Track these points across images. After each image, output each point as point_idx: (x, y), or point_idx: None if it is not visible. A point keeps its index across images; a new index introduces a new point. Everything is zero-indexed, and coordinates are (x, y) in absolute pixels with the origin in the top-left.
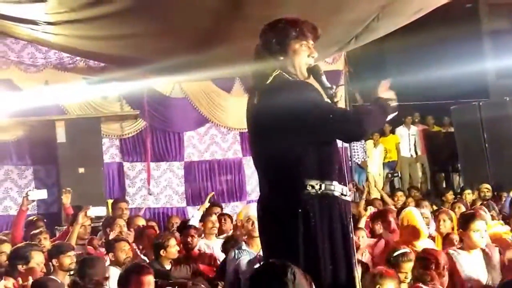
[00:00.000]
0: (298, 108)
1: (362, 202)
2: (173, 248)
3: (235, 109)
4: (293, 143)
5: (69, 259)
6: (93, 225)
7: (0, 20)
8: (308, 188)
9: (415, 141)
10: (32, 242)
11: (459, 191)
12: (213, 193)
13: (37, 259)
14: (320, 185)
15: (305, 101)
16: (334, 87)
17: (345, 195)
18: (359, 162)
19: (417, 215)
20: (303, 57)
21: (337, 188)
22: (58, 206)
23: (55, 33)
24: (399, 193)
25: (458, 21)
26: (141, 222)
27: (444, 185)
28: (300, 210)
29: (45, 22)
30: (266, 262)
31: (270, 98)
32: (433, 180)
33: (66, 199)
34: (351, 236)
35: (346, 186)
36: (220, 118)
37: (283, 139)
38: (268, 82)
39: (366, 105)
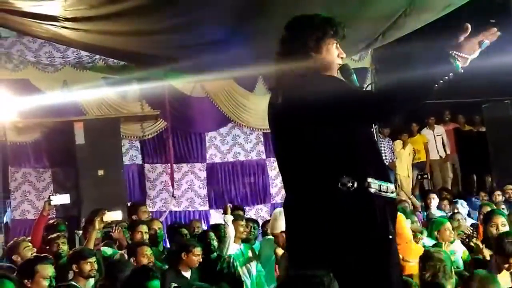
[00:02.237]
0: (331, 96)
1: None
2: (196, 257)
3: (258, 109)
4: (328, 136)
5: (89, 265)
6: (109, 229)
7: (18, 17)
8: (342, 185)
9: (443, 141)
10: (42, 255)
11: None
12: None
13: (44, 273)
14: (353, 182)
15: (338, 87)
16: (364, 86)
17: (385, 192)
18: (387, 164)
19: (404, 220)
20: (335, 57)
21: (373, 185)
22: (78, 210)
23: (74, 29)
24: (432, 195)
25: (490, 15)
26: (157, 225)
27: (475, 186)
28: (335, 210)
29: (64, 18)
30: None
31: (300, 93)
32: (465, 181)
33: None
34: (390, 237)
35: (388, 182)
36: (243, 118)
37: (317, 134)
38: (299, 78)
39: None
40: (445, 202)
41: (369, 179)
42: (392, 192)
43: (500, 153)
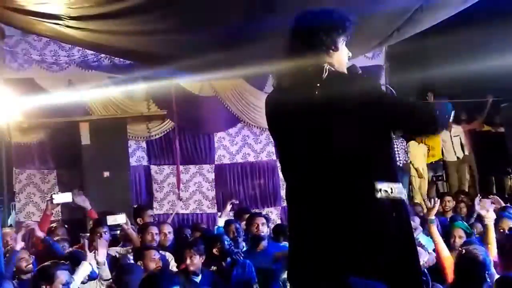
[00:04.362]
0: (373, 97)
1: None
2: (191, 260)
3: None
4: (367, 138)
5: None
6: (112, 233)
7: (22, 16)
8: (380, 192)
9: (460, 141)
10: (60, 261)
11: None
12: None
13: (62, 279)
14: (392, 189)
15: (378, 89)
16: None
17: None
18: (401, 165)
19: None
20: (346, 54)
21: (403, 191)
22: (83, 212)
23: (79, 28)
24: (447, 198)
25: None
26: (167, 229)
27: (494, 189)
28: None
29: (68, 16)
30: None
31: (335, 91)
32: (482, 183)
33: (83, 202)
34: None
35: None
36: (253, 117)
37: (353, 134)
38: (324, 75)
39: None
40: (462, 205)
41: (397, 185)
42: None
43: None
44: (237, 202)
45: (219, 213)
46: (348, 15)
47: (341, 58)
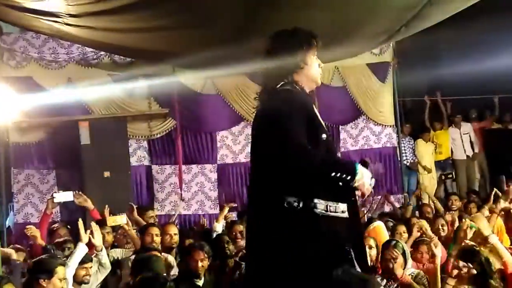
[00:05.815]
0: (278, 131)
1: (410, 208)
2: (196, 262)
3: None
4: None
5: (84, 271)
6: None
7: (19, 12)
8: (288, 204)
9: (470, 139)
10: (57, 255)
11: None
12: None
13: (61, 274)
14: (299, 202)
15: (285, 128)
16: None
17: (334, 212)
18: (408, 164)
19: (385, 229)
20: (316, 66)
21: (319, 206)
22: (82, 212)
23: (78, 25)
24: (454, 197)
25: None
26: (173, 230)
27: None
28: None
29: (67, 14)
30: None
31: (269, 108)
32: (493, 183)
33: (85, 202)
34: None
35: (339, 202)
36: None
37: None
38: (277, 87)
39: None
40: (472, 205)
41: (316, 200)
42: (342, 212)
43: None
44: (236, 205)
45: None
46: (312, 32)
47: (312, 71)
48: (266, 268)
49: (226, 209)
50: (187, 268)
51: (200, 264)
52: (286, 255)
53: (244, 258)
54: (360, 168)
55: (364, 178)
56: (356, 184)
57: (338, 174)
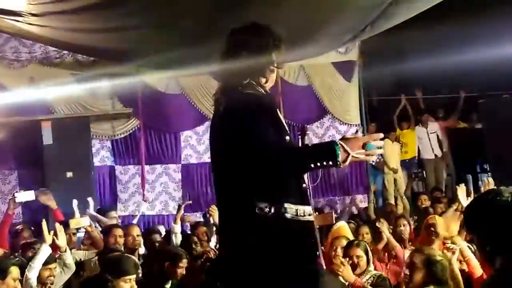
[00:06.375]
0: (243, 132)
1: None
2: (180, 269)
3: None
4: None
5: (48, 272)
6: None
7: None
8: (259, 210)
9: (438, 139)
10: (14, 256)
11: None
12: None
13: (14, 274)
14: (270, 208)
15: (253, 128)
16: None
17: (302, 216)
18: (374, 163)
19: (348, 229)
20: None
21: (289, 210)
22: (45, 214)
23: (40, 25)
24: (423, 197)
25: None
26: (136, 232)
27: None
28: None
29: (29, 13)
30: None
31: (233, 109)
32: (459, 182)
33: (49, 201)
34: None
35: (305, 205)
36: None
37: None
38: (239, 88)
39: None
40: (440, 205)
41: (286, 205)
42: (309, 215)
43: (498, 153)
44: (190, 202)
45: (186, 214)
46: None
47: (272, 73)
48: (240, 272)
49: (182, 209)
50: (158, 271)
51: (179, 270)
52: (260, 261)
53: (212, 260)
54: (340, 146)
55: (350, 152)
56: (344, 165)
57: (319, 164)
